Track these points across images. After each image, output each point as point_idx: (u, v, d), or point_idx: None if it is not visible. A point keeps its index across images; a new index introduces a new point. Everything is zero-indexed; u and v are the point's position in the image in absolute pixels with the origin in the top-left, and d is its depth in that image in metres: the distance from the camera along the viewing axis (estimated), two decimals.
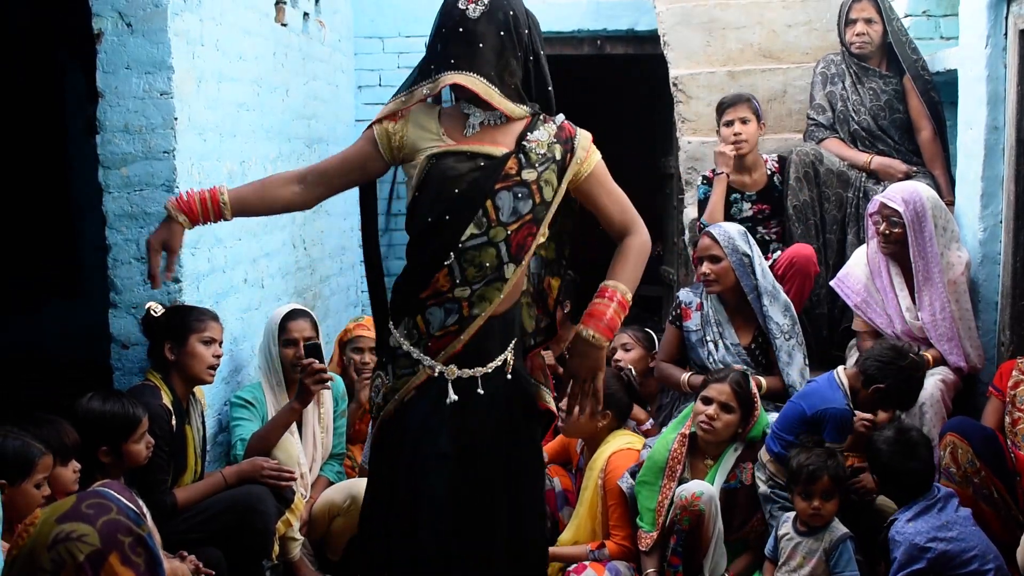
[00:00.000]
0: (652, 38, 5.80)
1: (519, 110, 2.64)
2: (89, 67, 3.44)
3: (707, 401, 3.53)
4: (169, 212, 2.70)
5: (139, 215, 3.45)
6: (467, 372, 2.63)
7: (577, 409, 2.69)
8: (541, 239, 2.66)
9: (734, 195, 4.61)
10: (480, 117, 2.63)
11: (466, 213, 2.56)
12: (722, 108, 4.60)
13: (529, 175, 2.59)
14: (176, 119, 3.43)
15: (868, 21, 4.72)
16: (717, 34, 5.37)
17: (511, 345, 2.72)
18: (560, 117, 2.71)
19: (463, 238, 2.56)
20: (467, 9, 2.57)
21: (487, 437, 2.66)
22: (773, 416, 3.62)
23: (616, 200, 2.74)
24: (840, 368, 3.65)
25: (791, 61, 5.31)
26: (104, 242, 3.48)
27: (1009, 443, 3.38)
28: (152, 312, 3.35)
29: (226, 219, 2.74)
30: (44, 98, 5.91)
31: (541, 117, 2.68)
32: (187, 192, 2.73)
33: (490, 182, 2.56)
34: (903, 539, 3.07)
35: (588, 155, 2.68)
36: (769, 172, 4.64)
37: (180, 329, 3.31)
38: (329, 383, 3.72)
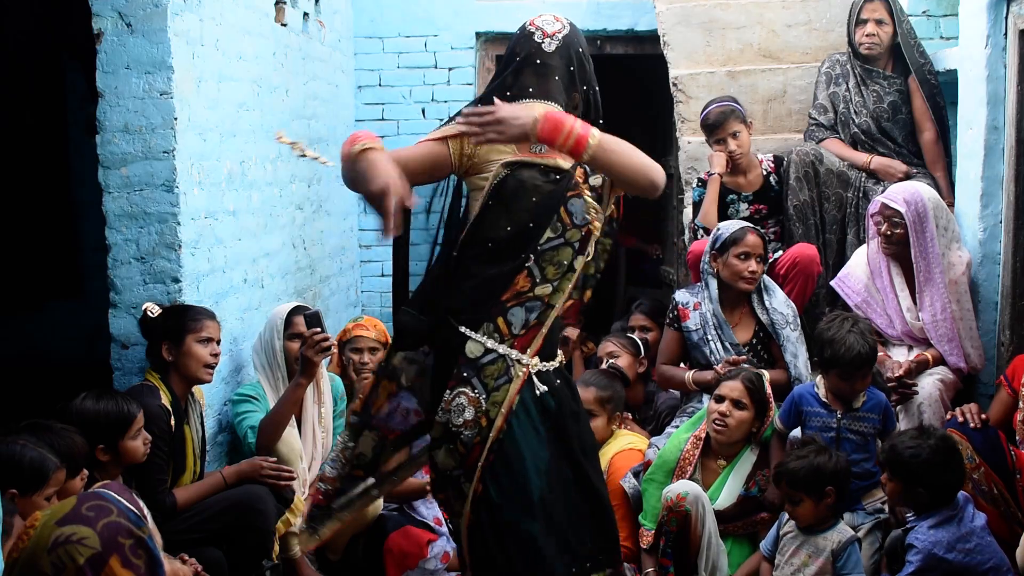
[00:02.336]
0: (652, 38, 5.79)
1: None
2: (89, 67, 3.44)
3: (720, 399, 3.54)
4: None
5: (139, 215, 3.45)
6: (546, 365, 2.76)
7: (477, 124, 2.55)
8: (598, 225, 2.77)
9: (730, 196, 4.61)
10: None
11: (544, 220, 2.70)
12: (709, 129, 4.56)
13: (596, 180, 2.77)
14: (176, 119, 3.43)
15: (879, 22, 4.67)
16: (717, 34, 5.36)
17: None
18: None
19: (541, 242, 2.69)
20: (543, 43, 2.77)
21: (566, 422, 2.77)
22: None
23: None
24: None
25: (791, 61, 5.30)
26: (104, 242, 3.48)
27: (1018, 440, 3.38)
28: (149, 313, 3.35)
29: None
30: (44, 98, 5.90)
31: None
32: None
33: (564, 192, 2.71)
34: (923, 545, 3.01)
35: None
36: (765, 172, 4.63)
37: (177, 329, 3.32)
38: (332, 350, 3.75)
